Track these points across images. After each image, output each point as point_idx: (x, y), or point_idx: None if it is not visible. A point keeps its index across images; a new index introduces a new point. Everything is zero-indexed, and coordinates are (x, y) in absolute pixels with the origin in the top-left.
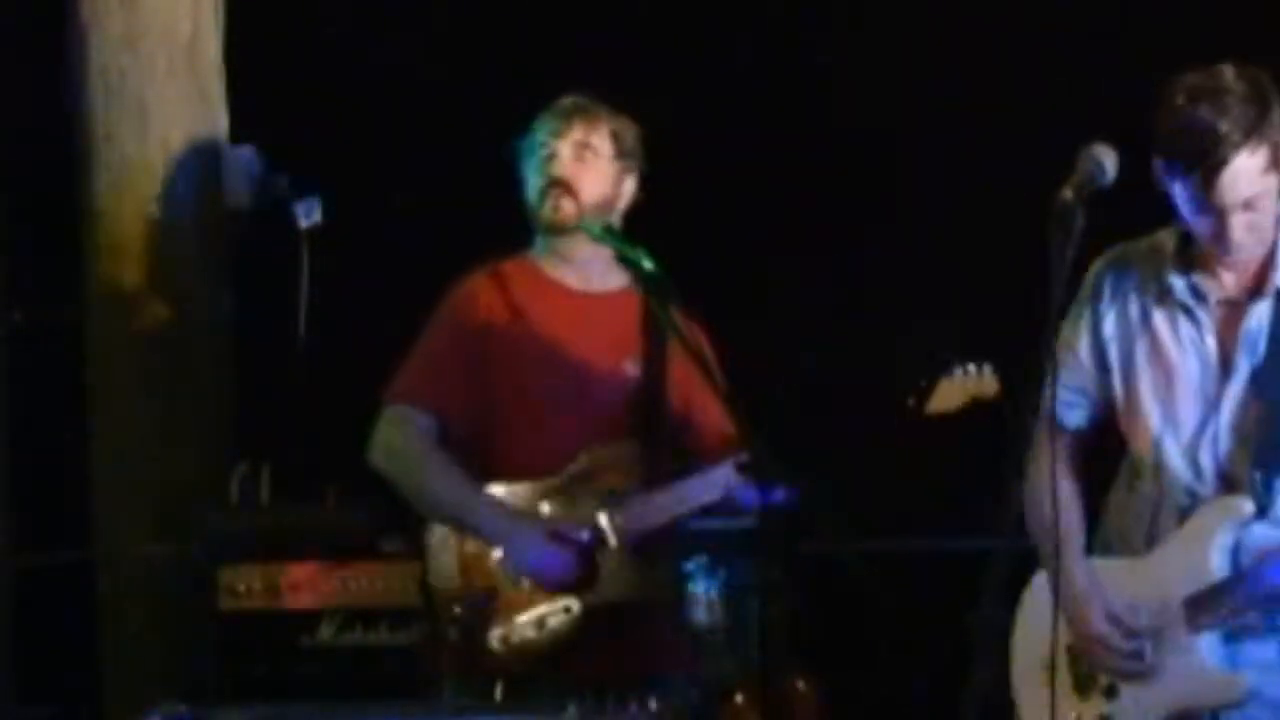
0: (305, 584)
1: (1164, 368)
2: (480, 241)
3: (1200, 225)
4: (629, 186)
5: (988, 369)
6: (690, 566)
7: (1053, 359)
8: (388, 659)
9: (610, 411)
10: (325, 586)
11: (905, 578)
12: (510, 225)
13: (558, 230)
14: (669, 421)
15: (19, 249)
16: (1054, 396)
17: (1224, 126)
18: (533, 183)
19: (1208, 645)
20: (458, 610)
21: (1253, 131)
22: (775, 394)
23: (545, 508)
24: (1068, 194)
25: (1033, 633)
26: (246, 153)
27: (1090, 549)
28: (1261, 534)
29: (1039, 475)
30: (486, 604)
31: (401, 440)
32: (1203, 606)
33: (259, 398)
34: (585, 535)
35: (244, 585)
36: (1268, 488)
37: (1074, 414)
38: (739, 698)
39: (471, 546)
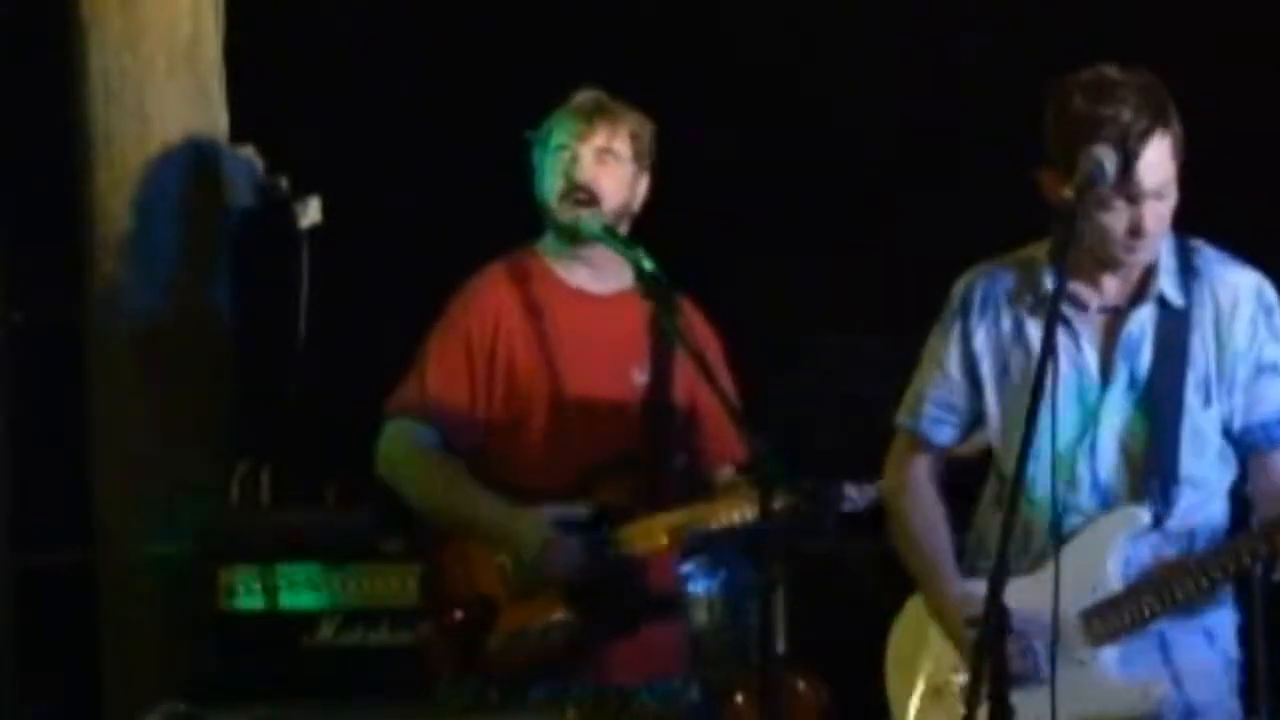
0: (305, 584)
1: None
2: (480, 241)
3: (1112, 221)
4: (643, 186)
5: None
6: (690, 567)
7: (1053, 360)
8: (388, 659)
9: (617, 423)
10: (325, 587)
11: (905, 578)
12: (511, 225)
13: (574, 234)
14: (675, 429)
15: (19, 249)
16: (1052, 401)
17: (1130, 115)
18: (551, 183)
19: (1108, 658)
20: (458, 616)
21: (1159, 117)
22: (776, 393)
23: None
24: (1068, 194)
25: (917, 658)
26: (246, 153)
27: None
28: (1153, 546)
29: (905, 496)
30: (486, 613)
31: (404, 449)
32: (1101, 619)
33: (259, 397)
34: (587, 516)
35: (244, 585)
36: (1165, 499)
37: (942, 431)
38: (739, 698)
39: (477, 554)
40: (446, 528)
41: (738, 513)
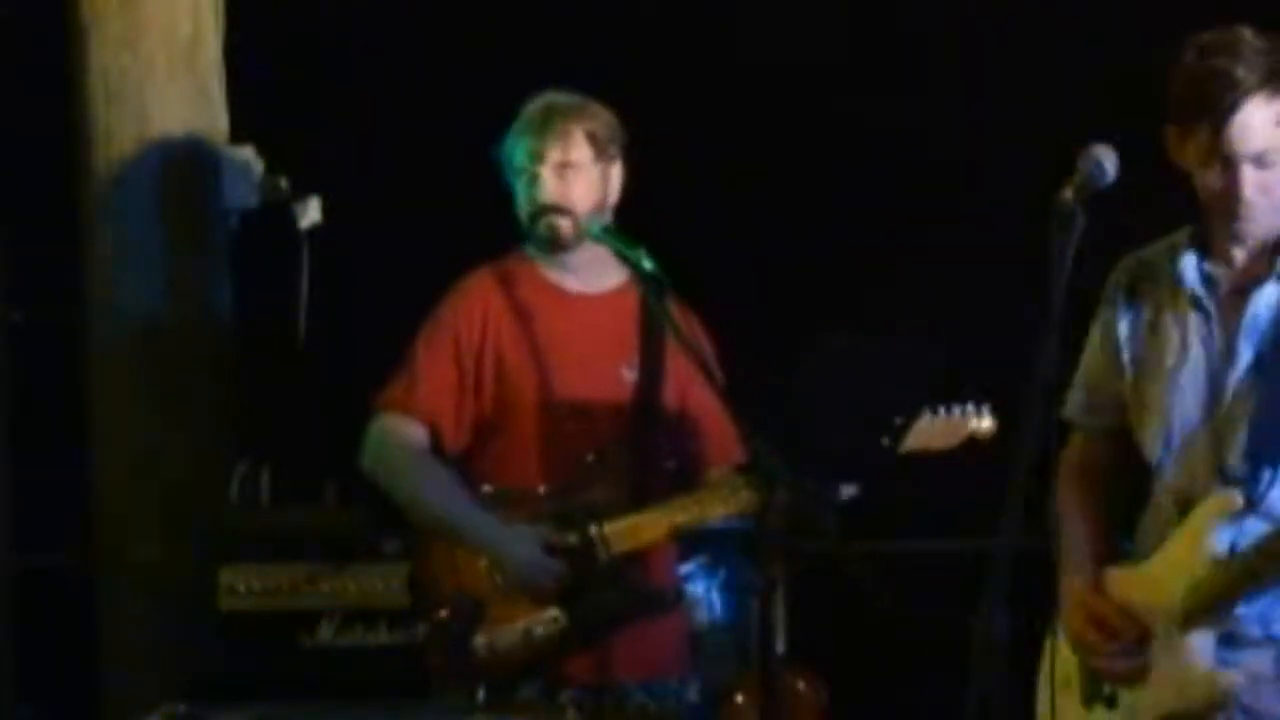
0: (305, 584)
1: (1169, 364)
2: (480, 241)
3: (1210, 182)
4: (615, 177)
5: (985, 409)
6: (690, 566)
7: (1051, 363)
8: (388, 659)
9: (607, 421)
10: (325, 586)
11: (905, 578)
12: (510, 225)
13: (557, 248)
14: (666, 427)
15: (19, 249)
16: (1055, 402)
17: (1238, 72)
18: (522, 202)
19: (1199, 644)
20: (444, 615)
21: (1269, 80)
22: (775, 393)
23: (536, 522)
24: (1068, 194)
25: (1061, 648)
26: (246, 153)
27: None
28: (1256, 528)
29: (1058, 488)
30: (473, 611)
31: (393, 449)
32: (1194, 602)
33: (259, 398)
34: (576, 544)
35: (244, 585)
36: (1256, 478)
37: (1096, 418)
38: (739, 698)
39: (463, 553)
40: (431, 530)
41: (725, 507)
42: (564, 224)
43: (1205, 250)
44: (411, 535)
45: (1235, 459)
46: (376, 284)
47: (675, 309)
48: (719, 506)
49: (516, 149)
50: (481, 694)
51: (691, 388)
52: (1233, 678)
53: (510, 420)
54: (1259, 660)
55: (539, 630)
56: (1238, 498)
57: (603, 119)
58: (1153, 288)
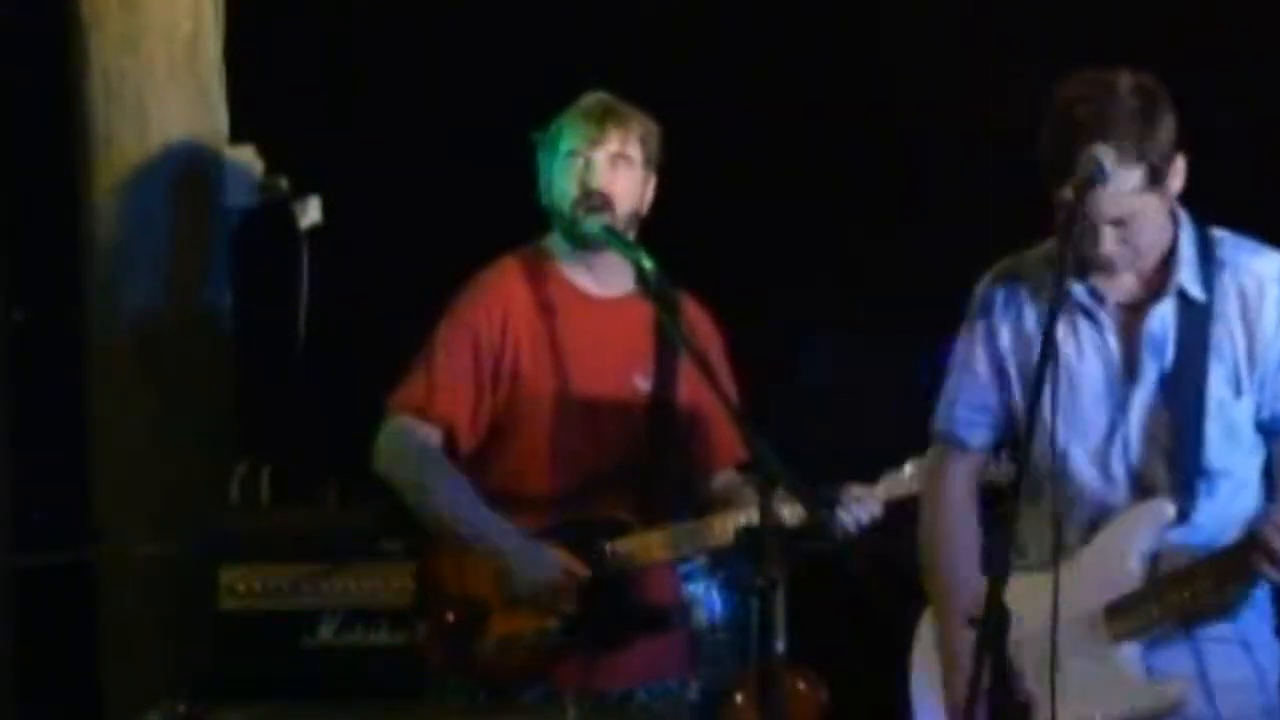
0: (305, 584)
1: (1066, 374)
2: (481, 240)
3: (1073, 234)
4: (651, 188)
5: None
6: (690, 567)
7: (1053, 363)
8: (388, 659)
9: (619, 431)
10: (325, 586)
11: (905, 577)
12: (510, 225)
13: (588, 242)
14: (675, 435)
15: (19, 249)
16: (1054, 410)
17: (1108, 139)
18: (562, 188)
19: (1129, 654)
20: (450, 617)
21: (1137, 145)
22: (776, 393)
23: (542, 531)
24: (1068, 194)
25: (930, 673)
26: (246, 153)
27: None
28: (1179, 539)
29: (934, 508)
30: (478, 615)
31: (408, 451)
32: (1122, 616)
33: (259, 398)
34: (591, 567)
35: (244, 585)
36: (1189, 492)
37: (976, 433)
38: (739, 698)
39: (469, 556)
40: (446, 536)
41: (733, 524)
42: (604, 218)
43: (1085, 269)
44: (414, 536)
45: (1155, 471)
46: (376, 284)
47: (685, 304)
48: (726, 527)
49: (568, 133)
50: (482, 695)
51: (701, 399)
52: (1182, 687)
53: (523, 424)
54: (1182, 663)
55: (541, 639)
56: (1170, 508)
57: (653, 129)
58: (1032, 295)
